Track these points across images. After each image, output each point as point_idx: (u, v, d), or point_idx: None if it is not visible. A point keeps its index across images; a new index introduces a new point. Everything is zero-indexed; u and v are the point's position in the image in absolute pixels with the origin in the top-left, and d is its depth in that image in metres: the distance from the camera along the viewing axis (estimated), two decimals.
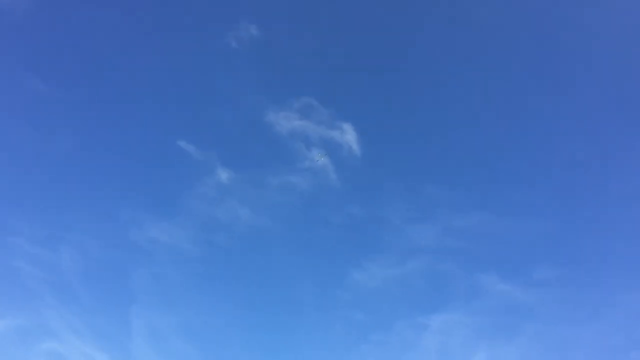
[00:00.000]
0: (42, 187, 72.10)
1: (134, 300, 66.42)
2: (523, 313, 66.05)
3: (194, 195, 73.89)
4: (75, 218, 70.53)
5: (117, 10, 77.98)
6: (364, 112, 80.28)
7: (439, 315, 67.00)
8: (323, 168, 74.95)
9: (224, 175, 74.83)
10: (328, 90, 79.91)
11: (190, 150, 74.78)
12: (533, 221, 72.11)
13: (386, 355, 64.44)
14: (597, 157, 74.17)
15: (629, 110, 73.79)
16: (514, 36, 79.42)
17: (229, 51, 78.10)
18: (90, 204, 72.35)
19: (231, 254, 72.75)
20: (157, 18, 79.51)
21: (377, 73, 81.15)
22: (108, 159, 75.48)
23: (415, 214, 74.56)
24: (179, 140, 75.07)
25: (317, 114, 77.18)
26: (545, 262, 68.95)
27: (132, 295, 66.72)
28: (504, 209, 74.07)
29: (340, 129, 76.60)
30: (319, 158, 73.48)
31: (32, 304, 63.21)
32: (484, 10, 79.14)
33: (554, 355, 62.67)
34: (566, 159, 75.23)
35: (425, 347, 64.88)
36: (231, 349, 65.83)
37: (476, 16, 79.06)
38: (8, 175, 70.84)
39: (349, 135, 76.09)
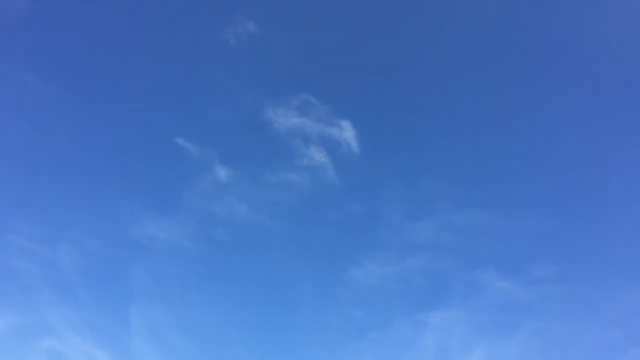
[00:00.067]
0: (42, 185, 72.55)
1: (133, 297, 66.76)
2: (522, 310, 66.28)
3: (192, 193, 74.17)
4: (75, 216, 70.99)
5: (114, 7, 78.21)
6: (362, 109, 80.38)
7: (438, 313, 67.21)
8: (321, 165, 75.00)
9: (222, 172, 75.02)
10: (326, 87, 79.96)
11: (188, 147, 75.02)
12: (532, 218, 72.33)
13: (385, 353, 64.67)
14: (596, 154, 74.24)
15: (628, 108, 73.76)
16: (513, 33, 79.39)
17: (226, 48, 78.21)
18: (89, 202, 72.81)
19: (230, 251, 73.12)
20: (155, 15, 79.69)
21: (376, 70, 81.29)
22: (107, 157, 75.84)
23: (414, 211, 74.73)
24: (177, 137, 75.31)
25: (315, 111, 77.22)
26: (543, 260, 69.07)
27: (131, 293, 67.09)
28: (503, 206, 74.26)
29: (338, 126, 76.63)
30: (320, 159, 73.42)
31: (32, 301, 63.61)
32: (483, 6, 79.09)
33: (553, 352, 62.76)
34: (565, 156, 75.26)
35: (424, 344, 65.08)
36: (230, 345, 66.20)
37: (475, 12, 79.13)
38: (7, 173, 71.28)
39: (347, 133, 76.14)
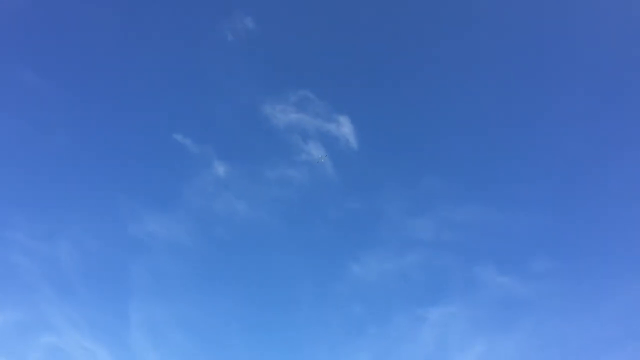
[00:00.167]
0: (41, 182, 72.44)
1: (132, 294, 66.86)
2: (521, 306, 66.19)
3: (191, 189, 74.11)
4: (74, 213, 70.97)
5: (112, 4, 77.90)
6: (360, 105, 79.94)
7: (437, 308, 67.20)
8: (320, 161, 74.76)
9: (220, 169, 74.92)
10: (324, 83, 79.61)
11: (186, 144, 74.89)
12: (531, 215, 72.07)
13: (384, 349, 64.78)
14: (595, 152, 73.83)
15: (627, 105, 73.38)
16: (512, 30, 78.76)
17: (224, 44, 77.82)
18: (88, 199, 72.69)
19: (229, 247, 73.05)
20: (152, 11, 79.20)
21: (374, 66, 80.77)
22: (105, 154, 75.67)
23: (413, 207, 74.56)
24: (175, 134, 75.14)
25: (313, 107, 76.98)
26: (543, 255, 68.85)
27: (130, 290, 67.13)
28: (502, 202, 73.99)
29: (337, 122, 76.41)
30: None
31: (31, 298, 63.71)
32: (483, 4, 78.62)
33: (552, 348, 62.77)
34: (564, 153, 74.87)
35: (423, 340, 65.19)
36: (230, 342, 66.34)
37: (475, 10, 78.59)
38: (6, 171, 71.17)
39: (345, 128, 75.94)
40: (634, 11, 71.94)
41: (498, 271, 68.02)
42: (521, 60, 78.16)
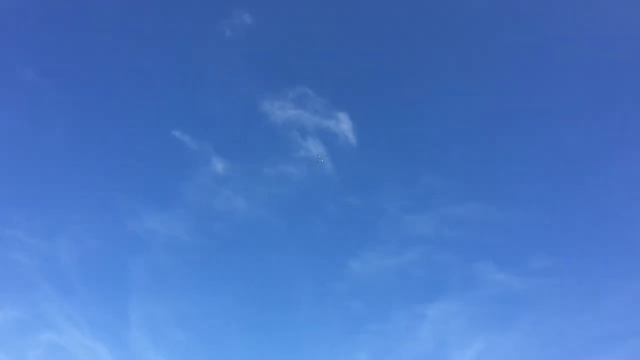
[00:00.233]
0: (39, 179, 72.50)
1: (131, 291, 66.90)
2: (520, 303, 66.16)
3: (190, 186, 74.10)
4: (73, 211, 71.03)
5: (110, 2, 77.63)
6: (360, 102, 79.76)
7: (437, 305, 67.20)
8: (319, 157, 74.60)
9: (219, 165, 74.84)
10: (323, 79, 79.41)
11: (185, 140, 74.79)
12: (530, 212, 72.00)
13: (384, 345, 64.79)
14: (595, 149, 73.57)
15: (626, 103, 73.08)
16: (512, 27, 78.39)
17: (223, 40, 77.61)
18: (88, 197, 72.73)
19: (228, 244, 73.13)
20: (150, 9, 79.11)
21: (373, 62, 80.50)
22: (103, 151, 75.72)
23: (412, 205, 74.45)
24: (173, 130, 75.05)
25: (312, 104, 76.76)
26: (542, 253, 68.83)
27: (130, 286, 67.17)
28: (501, 199, 73.92)
29: (336, 119, 76.20)
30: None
31: (31, 296, 63.82)
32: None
33: (551, 345, 62.80)
34: (563, 150, 74.67)
35: (423, 336, 65.20)
36: (229, 339, 66.39)
37: (474, 6, 78.15)
38: (5, 168, 71.22)
39: (344, 125, 75.71)
40: (634, 11, 71.65)
41: (497, 268, 68.21)
42: (521, 59, 78.15)
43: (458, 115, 78.45)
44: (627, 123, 72.17)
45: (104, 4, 77.10)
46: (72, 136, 74.22)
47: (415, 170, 77.05)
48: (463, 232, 71.31)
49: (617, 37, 72.69)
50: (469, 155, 77.00)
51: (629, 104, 72.25)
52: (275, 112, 75.94)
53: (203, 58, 78.20)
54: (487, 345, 63.02)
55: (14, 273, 64.51)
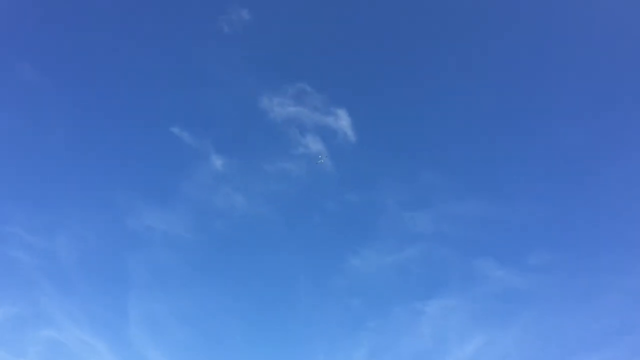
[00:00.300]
0: (39, 177, 72.47)
1: (131, 287, 66.97)
2: (519, 298, 66.21)
3: (189, 183, 73.99)
4: (72, 207, 70.96)
5: None
6: (358, 98, 79.46)
7: (436, 301, 67.18)
8: (318, 154, 74.60)
9: (218, 162, 74.73)
10: (322, 75, 79.13)
11: (184, 137, 74.64)
12: (529, 208, 71.82)
13: (383, 342, 64.86)
14: (594, 145, 73.56)
15: (625, 98, 72.88)
16: (511, 23, 78.17)
17: (221, 36, 77.30)
18: (87, 193, 72.76)
19: (227, 241, 73.10)
20: (148, 4, 78.97)
21: (372, 58, 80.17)
22: (102, 148, 75.62)
23: (411, 201, 74.40)
24: (172, 127, 74.87)
25: (311, 100, 76.55)
26: (541, 248, 68.83)
27: (129, 283, 67.27)
28: (500, 195, 73.87)
29: (334, 115, 76.01)
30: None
31: (30, 292, 63.87)
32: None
33: (550, 340, 62.85)
34: (561, 146, 74.54)
35: (422, 332, 65.28)
36: (228, 335, 66.52)
37: (473, 3, 77.97)
38: (5, 166, 71.19)
39: (343, 121, 75.54)
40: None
41: (497, 265, 68.14)
42: (519, 56, 77.95)
43: (457, 112, 78.49)
44: (627, 121, 72.38)
45: (101, 1, 77.23)
46: (71, 133, 74.36)
47: (414, 166, 77.13)
48: (462, 229, 71.48)
49: (617, 37, 72.76)
50: (468, 151, 77.05)
51: (630, 101, 72.34)
52: (274, 109, 75.95)
53: (201, 54, 78.16)
54: (486, 341, 63.20)
55: (14, 270, 64.77)
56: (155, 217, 71.13)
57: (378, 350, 63.81)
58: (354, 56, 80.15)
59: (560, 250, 68.22)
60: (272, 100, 76.03)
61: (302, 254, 72.19)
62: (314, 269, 70.95)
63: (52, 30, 76.25)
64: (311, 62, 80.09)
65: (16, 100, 73.18)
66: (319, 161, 72.77)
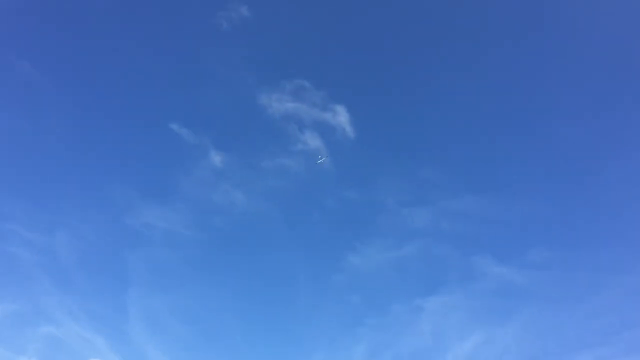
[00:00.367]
0: (38, 174, 72.45)
1: (130, 284, 67.00)
2: (518, 295, 66.05)
3: (188, 179, 74.10)
4: (71, 204, 70.99)
5: None
6: (357, 94, 79.47)
7: (435, 298, 67.11)
8: (316, 151, 74.49)
9: (217, 158, 74.67)
10: (321, 72, 79.11)
11: (182, 133, 74.56)
12: (528, 204, 71.73)
13: (382, 339, 64.82)
14: (593, 143, 73.39)
15: (625, 95, 72.74)
16: (509, 20, 77.74)
17: (219, 32, 77.15)
18: (86, 190, 72.79)
19: (226, 238, 73.10)
20: (147, 1, 79.06)
21: (371, 54, 80.00)
22: (101, 144, 75.67)
23: (410, 198, 74.36)
24: (171, 123, 74.76)
25: (310, 96, 76.38)
26: (540, 245, 68.70)
27: (128, 280, 67.26)
28: (499, 192, 73.79)
29: (333, 111, 75.85)
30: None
31: (29, 289, 63.91)
32: None
33: (549, 337, 62.79)
34: (562, 144, 74.39)
35: (421, 329, 65.16)
36: (227, 332, 66.58)
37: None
38: (3, 162, 71.19)
39: (342, 118, 75.38)
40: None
41: (495, 262, 68.07)
42: (520, 54, 77.66)
43: (456, 109, 78.32)
44: (627, 119, 72.15)
45: None
46: (69, 131, 74.30)
47: (413, 163, 77.05)
48: (461, 226, 71.34)
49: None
50: (467, 148, 76.97)
51: (629, 96, 72.12)
52: (273, 105, 75.79)
53: (199, 51, 78.09)
54: (485, 338, 63.12)
55: (13, 267, 64.78)
56: (154, 214, 71.33)
57: (377, 347, 63.99)
58: (353, 52, 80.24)
59: (559, 248, 68.39)
60: (270, 96, 76.02)
61: (301, 251, 72.43)
62: (313, 266, 71.13)
63: (51, 28, 76.35)
64: (310, 58, 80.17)
65: (15, 99, 73.39)
66: (319, 161, 72.69)
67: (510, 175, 74.48)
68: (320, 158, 72.15)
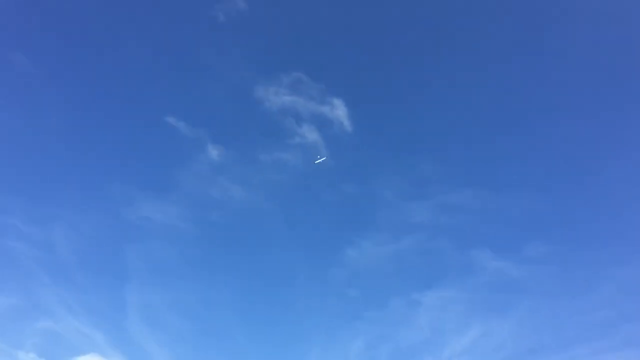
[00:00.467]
0: (36, 168, 72.25)
1: (128, 278, 67.11)
2: (516, 289, 66.29)
3: (185, 173, 73.94)
4: (69, 198, 70.87)
5: None
6: (354, 87, 79.13)
7: (433, 292, 67.33)
8: (314, 144, 74.31)
9: (214, 152, 74.43)
10: (318, 65, 78.77)
11: (179, 127, 74.23)
12: (526, 199, 71.79)
13: (380, 332, 65.14)
14: (591, 137, 73.38)
15: (623, 89, 72.50)
16: (508, 17, 77.15)
17: (216, 25, 76.64)
18: (83, 184, 72.66)
19: (224, 231, 73.15)
20: None
21: (368, 47, 79.53)
22: (98, 138, 75.43)
23: (408, 191, 74.34)
24: (167, 116, 74.34)
25: (307, 89, 76.00)
26: (537, 239, 68.82)
27: (126, 273, 67.35)
28: (497, 186, 73.83)
29: (330, 105, 75.51)
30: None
31: (27, 283, 63.91)
32: None
33: (546, 330, 63.11)
34: (560, 138, 74.19)
35: (419, 323, 65.50)
36: (225, 325, 66.81)
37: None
38: (1, 157, 70.82)
39: (339, 111, 75.07)
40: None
41: (493, 256, 68.20)
42: (516, 43, 77.18)
43: (455, 104, 78.09)
44: (626, 116, 71.96)
45: None
46: (66, 125, 74.08)
47: (411, 157, 76.94)
48: (459, 220, 71.54)
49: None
50: (465, 143, 76.85)
51: (628, 92, 71.90)
52: (270, 98, 75.39)
53: (196, 43, 77.72)
54: (483, 331, 63.43)
55: (11, 260, 64.74)
56: (152, 208, 71.21)
57: (375, 340, 64.37)
58: (350, 45, 79.81)
59: (556, 242, 68.51)
60: (267, 89, 75.59)
61: (299, 245, 72.49)
62: (311, 260, 71.23)
63: (46, 22, 75.72)
64: (307, 51, 79.70)
65: (11, 93, 73.01)
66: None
67: (508, 170, 74.82)
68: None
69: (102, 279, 66.67)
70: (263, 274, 70.43)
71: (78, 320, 62.44)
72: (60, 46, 75.45)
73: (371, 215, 73.39)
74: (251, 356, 63.80)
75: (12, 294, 62.50)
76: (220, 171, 74.38)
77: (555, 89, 75.53)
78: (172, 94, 77.42)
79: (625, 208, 67.47)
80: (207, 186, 73.48)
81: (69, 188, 71.39)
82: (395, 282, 69.10)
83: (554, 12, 74.49)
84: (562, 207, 70.98)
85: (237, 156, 75.86)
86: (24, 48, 72.96)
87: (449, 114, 77.68)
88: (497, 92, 77.49)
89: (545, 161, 73.83)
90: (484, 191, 72.61)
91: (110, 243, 69.07)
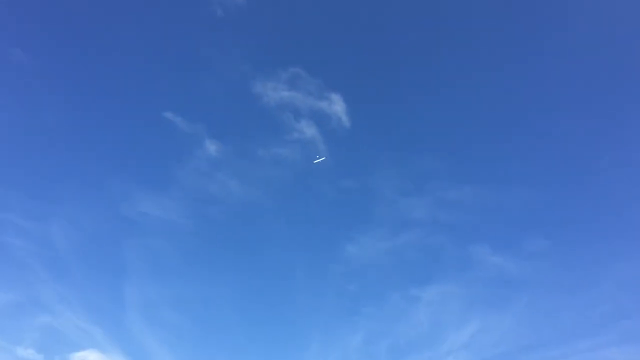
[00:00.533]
0: (34, 163, 72.14)
1: (126, 273, 67.02)
2: (514, 284, 66.30)
3: (183, 168, 73.82)
4: (67, 193, 70.81)
5: None
6: (353, 83, 78.91)
7: (432, 287, 67.35)
8: (312, 139, 74.21)
9: (212, 147, 74.28)
10: (316, 60, 78.50)
11: (177, 122, 74.04)
12: (524, 194, 71.69)
13: (379, 327, 65.14)
14: (588, 129, 73.26)
15: (622, 85, 72.32)
16: (507, 15, 76.69)
17: (214, 20, 76.26)
18: (81, 179, 72.59)
19: (223, 226, 73.10)
20: None
21: (366, 42, 79.21)
22: (96, 133, 75.26)
23: (407, 187, 74.27)
24: (164, 111, 74.17)
25: (305, 85, 75.75)
26: (536, 235, 68.86)
27: (124, 269, 67.30)
28: (496, 182, 73.70)
29: (329, 100, 75.29)
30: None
31: (25, 278, 63.82)
32: None
33: (545, 325, 63.13)
34: (558, 131, 74.01)
35: (418, 318, 65.52)
36: (224, 320, 66.83)
37: None
38: None
39: (337, 106, 74.83)
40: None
41: (492, 251, 68.15)
42: (515, 39, 77.06)
43: (454, 99, 77.88)
44: (625, 106, 71.70)
45: None
46: (64, 120, 73.96)
47: (410, 152, 76.80)
48: (458, 215, 71.39)
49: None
50: (464, 138, 76.73)
51: (627, 87, 71.81)
52: (268, 93, 75.16)
53: (194, 38, 77.53)
54: (481, 325, 63.51)
55: (9, 256, 64.58)
56: (150, 203, 71.14)
57: (374, 335, 64.37)
58: (348, 40, 79.56)
59: (555, 238, 68.44)
60: (265, 84, 75.32)
61: (297, 240, 72.46)
62: (309, 255, 71.18)
63: (44, 18, 75.33)
64: (305, 46, 79.54)
65: (9, 88, 72.75)
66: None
67: (507, 166, 74.65)
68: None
69: (100, 275, 66.92)
70: (261, 269, 70.66)
71: (76, 316, 62.61)
72: (57, 42, 75.54)
73: (370, 211, 73.58)
74: (250, 351, 64.00)
75: (10, 290, 62.67)
76: (219, 167, 74.47)
77: (554, 86, 75.74)
78: (170, 89, 77.50)
79: (624, 204, 67.63)
80: (205, 182, 73.55)
81: (67, 184, 71.54)
82: (394, 278, 69.31)
83: (553, 11, 74.23)
84: (561, 203, 71.19)
85: (235, 151, 75.94)
86: (22, 44, 72.92)
87: (448, 110, 77.78)
88: (496, 89, 77.59)
89: (544, 157, 73.93)
90: (483, 187, 72.81)
91: (108, 239, 69.25)
